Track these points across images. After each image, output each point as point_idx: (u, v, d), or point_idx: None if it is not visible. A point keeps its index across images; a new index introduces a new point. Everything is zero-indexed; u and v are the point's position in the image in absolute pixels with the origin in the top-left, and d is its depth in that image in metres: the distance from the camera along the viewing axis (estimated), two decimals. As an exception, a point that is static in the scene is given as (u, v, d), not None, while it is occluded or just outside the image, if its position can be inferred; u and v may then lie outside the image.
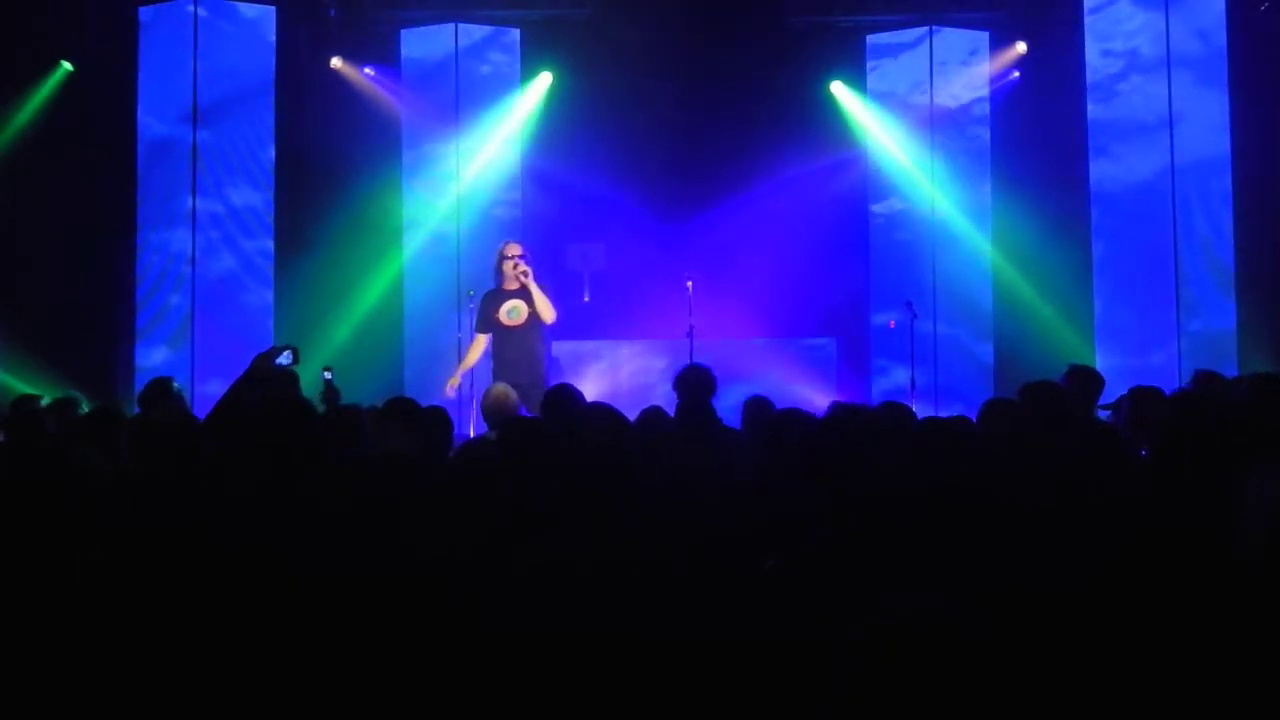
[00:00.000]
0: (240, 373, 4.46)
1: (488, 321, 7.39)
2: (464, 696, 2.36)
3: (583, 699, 2.30)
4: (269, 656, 2.43)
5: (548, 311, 7.31)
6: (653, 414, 4.60)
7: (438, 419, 4.58)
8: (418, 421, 4.22)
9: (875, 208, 9.64)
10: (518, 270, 7.29)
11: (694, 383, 5.12)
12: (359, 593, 2.53)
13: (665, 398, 5.26)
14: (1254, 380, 5.03)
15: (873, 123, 9.56)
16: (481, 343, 7.44)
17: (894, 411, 4.15)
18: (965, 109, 9.54)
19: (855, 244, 9.67)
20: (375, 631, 2.45)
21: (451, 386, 7.57)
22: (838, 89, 9.59)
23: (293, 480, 3.13)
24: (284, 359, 4.65)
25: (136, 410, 5.71)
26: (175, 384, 5.52)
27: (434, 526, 2.94)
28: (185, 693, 2.39)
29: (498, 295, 7.40)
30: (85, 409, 5.46)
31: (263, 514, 2.91)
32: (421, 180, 9.59)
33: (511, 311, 7.31)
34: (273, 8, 9.30)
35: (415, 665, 2.41)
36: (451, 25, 9.58)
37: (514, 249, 7.42)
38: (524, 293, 7.35)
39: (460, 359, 8.25)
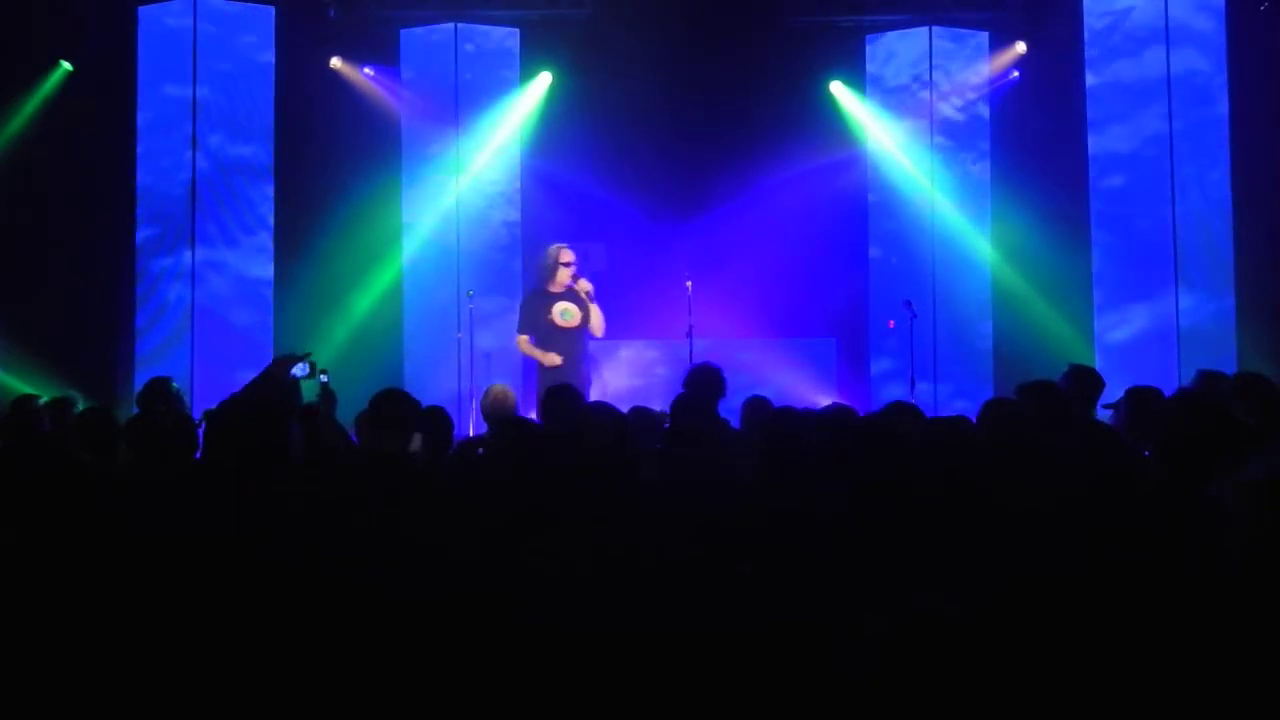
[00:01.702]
0: (236, 368, 4.46)
1: (535, 323, 7.32)
2: (463, 697, 2.36)
3: (582, 698, 2.30)
4: (266, 656, 2.42)
5: (601, 326, 7.37)
6: (634, 414, 4.61)
7: (438, 418, 4.58)
8: (408, 421, 4.22)
9: (874, 208, 9.64)
10: (580, 287, 7.31)
11: (697, 381, 5.15)
12: (356, 593, 2.53)
13: (665, 398, 5.26)
14: (1239, 379, 5.05)
15: (872, 122, 9.56)
16: (527, 342, 7.39)
17: (897, 412, 4.15)
18: (965, 109, 9.54)
19: (855, 244, 9.66)
20: (372, 632, 2.45)
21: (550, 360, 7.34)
22: (837, 89, 9.59)
23: (282, 481, 3.13)
24: (299, 370, 4.65)
25: (135, 410, 5.71)
26: (174, 384, 5.52)
27: (431, 526, 2.95)
28: (183, 691, 2.39)
29: (545, 296, 7.36)
30: (81, 408, 5.45)
31: (259, 514, 2.91)
32: (421, 180, 9.58)
33: (565, 313, 7.31)
34: (272, 8, 9.29)
35: (412, 665, 2.41)
36: (451, 25, 9.57)
37: (568, 255, 7.41)
38: (573, 294, 7.34)
39: (458, 359, 8.27)
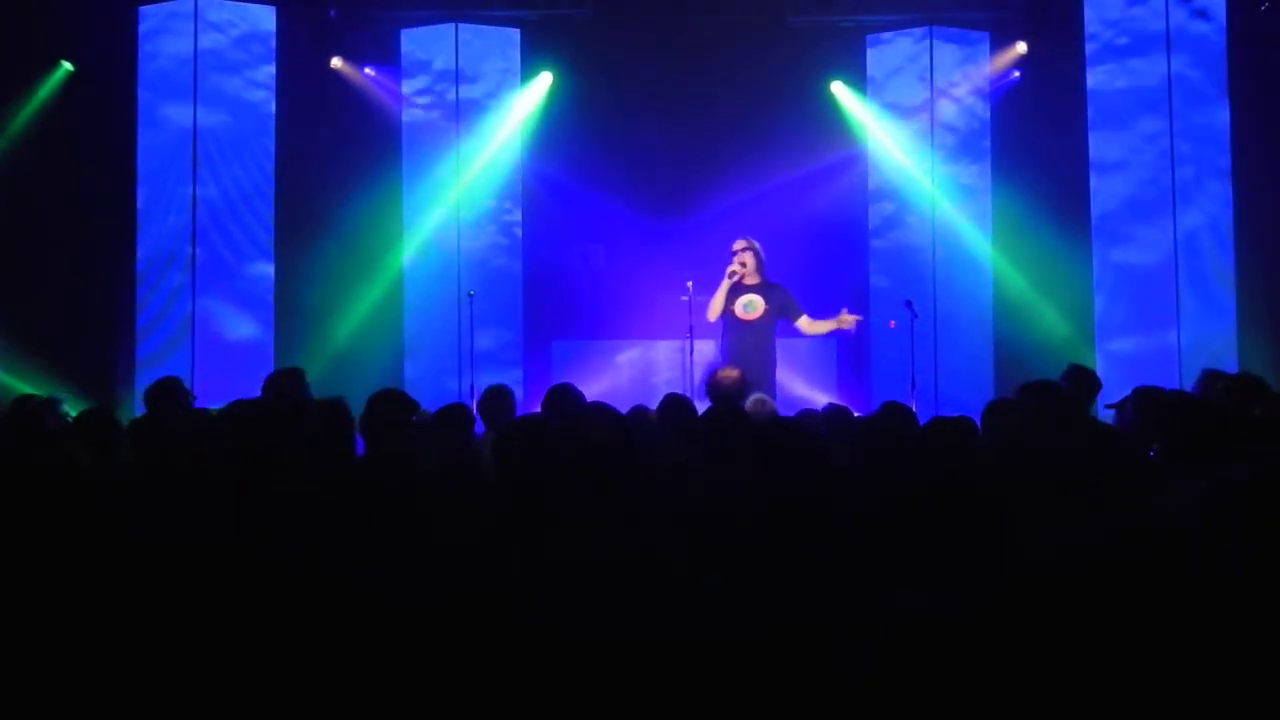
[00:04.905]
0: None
1: (721, 310, 7.40)
2: (463, 698, 2.35)
3: (583, 698, 2.30)
4: (266, 657, 2.42)
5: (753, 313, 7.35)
6: (634, 414, 4.63)
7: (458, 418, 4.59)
8: (406, 422, 4.23)
9: (875, 208, 9.64)
10: (730, 269, 7.35)
11: (708, 383, 5.22)
12: (356, 593, 2.53)
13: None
14: (1233, 380, 5.06)
15: (872, 122, 9.56)
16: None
17: (895, 412, 4.14)
18: (965, 109, 9.54)
19: (855, 244, 9.67)
20: (372, 632, 2.45)
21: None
22: (838, 89, 9.59)
23: (287, 480, 3.13)
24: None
25: (141, 409, 5.70)
26: (183, 383, 5.48)
27: (431, 526, 2.94)
28: (183, 692, 2.39)
29: (737, 287, 7.41)
30: (66, 408, 5.42)
31: (259, 514, 2.91)
32: (421, 180, 9.58)
33: (747, 305, 7.33)
34: (273, 8, 9.29)
35: (412, 666, 2.41)
36: (451, 25, 9.58)
37: (737, 244, 7.47)
38: (762, 288, 7.36)
39: (458, 359, 8.27)
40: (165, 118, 9.18)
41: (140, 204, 9.13)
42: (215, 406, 4.84)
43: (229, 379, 8.54)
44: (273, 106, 9.30)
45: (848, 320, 7.40)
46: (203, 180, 9.14)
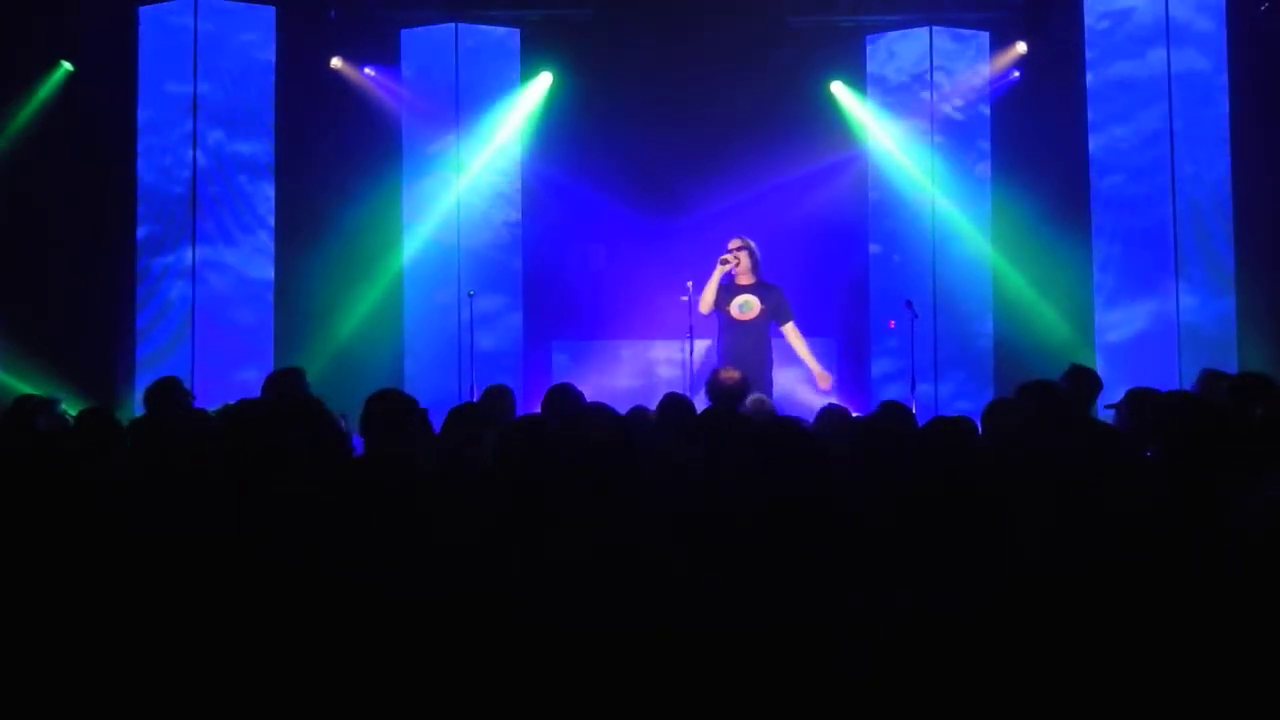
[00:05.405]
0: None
1: (718, 306, 7.45)
2: (465, 698, 2.36)
3: (582, 698, 2.30)
4: (268, 657, 2.42)
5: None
6: (634, 414, 4.64)
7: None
8: (404, 422, 4.23)
9: (874, 207, 9.63)
10: (722, 258, 7.41)
11: (709, 384, 5.25)
12: (356, 593, 2.53)
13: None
14: (1237, 380, 5.06)
15: (873, 123, 9.56)
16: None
17: (895, 413, 4.15)
18: (965, 109, 9.54)
19: (855, 244, 9.67)
20: (372, 632, 2.45)
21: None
22: (838, 89, 9.59)
23: (287, 480, 3.13)
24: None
25: (141, 410, 5.71)
26: (183, 383, 5.48)
27: (431, 526, 2.94)
28: (182, 693, 2.39)
29: (732, 287, 7.48)
30: (65, 408, 5.42)
31: (259, 515, 2.91)
32: (421, 180, 9.58)
33: (743, 306, 7.38)
34: (273, 8, 9.29)
35: (415, 665, 2.41)
36: (451, 25, 9.58)
37: (732, 244, 7.52)
38: (757, 288, 7.41)
39: (458, 359, 8.27)
40: (165, 119, 9.16)
41: (140, 205, 9.12)
42: (215, 406, 4.84)
43: (229, 378, 8.55)
44: (272, 106, 9.30)
45: (826, 381, 7.58)
46: (202, 180, 9.13)
